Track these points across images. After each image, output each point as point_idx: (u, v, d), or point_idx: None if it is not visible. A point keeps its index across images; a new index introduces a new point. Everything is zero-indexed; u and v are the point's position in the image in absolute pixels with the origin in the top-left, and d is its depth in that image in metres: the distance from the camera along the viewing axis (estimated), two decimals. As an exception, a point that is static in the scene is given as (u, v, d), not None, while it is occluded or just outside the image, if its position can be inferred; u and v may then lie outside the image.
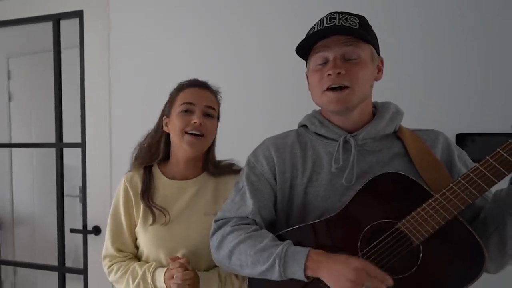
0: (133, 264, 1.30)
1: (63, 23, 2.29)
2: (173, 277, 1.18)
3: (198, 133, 1.25)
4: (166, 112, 1.35)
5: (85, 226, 2.24)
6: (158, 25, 2.09)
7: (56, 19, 2.28)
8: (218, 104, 1.37)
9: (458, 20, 1.71)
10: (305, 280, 0.96)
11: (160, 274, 1.22)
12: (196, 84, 1.33)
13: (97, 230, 2.20)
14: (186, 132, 1.25)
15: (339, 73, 1.00)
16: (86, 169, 2.22)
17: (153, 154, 1.36)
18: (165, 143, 1.35)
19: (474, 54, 1.68)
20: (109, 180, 2.17)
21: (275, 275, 0.98)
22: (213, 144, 1.37)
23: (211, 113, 1.30)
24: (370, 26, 1.08)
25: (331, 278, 0.92)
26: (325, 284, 0.97)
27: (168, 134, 1.34)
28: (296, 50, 1.10)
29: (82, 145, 2.23)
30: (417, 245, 0.94)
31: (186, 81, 1.35)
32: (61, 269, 2.37)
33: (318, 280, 0.97)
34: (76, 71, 2.24)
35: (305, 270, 0.95)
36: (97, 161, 2.20)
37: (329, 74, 1.01)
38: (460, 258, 0.94)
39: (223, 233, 1.09)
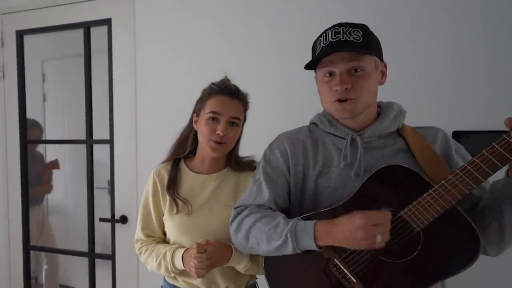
0: (158, 246, 1.34)
1: (93, 30, 2.32)
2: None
3: (220, 141, 1.27)
4: (196, 110, 1.35)
5: (113, 215, 2.28)
6: (180, 32, 2.11)
7: (86, 27, 2.31)
8: (245, 110, 1.36)
9: (455, 22, 1.69)
10: (318, 249, 0.98)
11: (179, 254, 1.25)
12: (226, 93, 1.30)
13: (124, 219, 2.24)
14: (211, 139, 1.27)
15: (346, 89, 1.02)
16: (114, 163, 2.27)
17: (181, 148, 1.39)
18: (192, 139, 1.37)
19: (470, 57, 1.67)
20: (135, 174, 2.21)
21: (289, 249, 1.01)
22: (237, 142, 1.37)
23: (236, 122, 1.29)
24: (372, 33, 1.08)
25: (345, 242, 0.95)
26: (335, 266, 1.00)
27: (196, 131, 1.35)
28: (304, 67, 1.11)
29: (110, 141, 2.28)
30: (418, 232, 0.96)
31: (217, 85, 1.33)
32: (91, 255, 2.40)
33: (329, 260, 1.01)
34: (104, 74, 2.27)
35: (316, 241, 0.98)
36: (124, 156, 2.25)
37: (337, 90, 1.03)
38: (457, 244, 0.95)
39: (241, 217, 1.13)
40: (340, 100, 1.04)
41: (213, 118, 1.27)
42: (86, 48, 2.34)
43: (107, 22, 2.25)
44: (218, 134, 1.25)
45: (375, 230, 0.90)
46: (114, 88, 2.25)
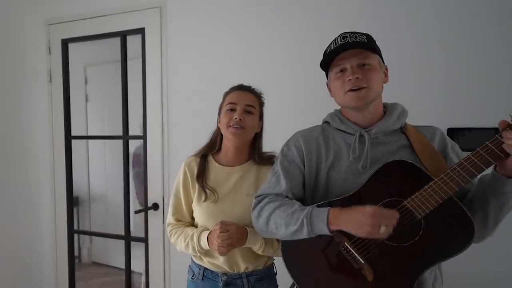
0: (187, 228, 1.40)
1: (129, 38, 2.38)
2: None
3: (238, 126, 1.32)
4: (219, 111, 1.43)
5: (146, 205, 2.35)
6: (206, 40, 2.16)
7: (123, 35, 2.38)
8: (260, 104, 1.41)
9: (449, 27, 1.70)
10: (330, 234, 1.02)
11: (205, 235, 1.31)
12: (240, 88, 1.41)
13: (155, 207, 2.32)
14: (230, 126, 1.33)
15: (357, 78, 1.07)
16: (147, 157, 2.34)
17: (212, 146, 1.44)
18: (220, 138, 1.43)
19: (465, 59, 1.68)
20: (162, 166, 2.27)
21: (304, 233, 1.05)
22: (259, 137, 1.43)
23: (251, 111, 1.35)
24: (375, 41, 1.14)
25: (353, 227, 0.98)
26: (345, 249, 1.04)
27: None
28: (320, 65, 1.17)
29: (144, 137, 2.34)
30: (419, 219, 0.99)
31: (234, 86, 1.43)
32: (127, 238, 2.48)
33: (339, 244, 1.04)
34: (140, 77, 2.34)
35: (328, 225, 1.01)
36: (155, 150, 2.31)
37: (350, 79, 1.08)
38: (454, 230, 0.98)
39: (262, 205, 1.17)
40: (353, 90, 1.08)
41: (231, 109, 1.35)
42: (123, 54, 2.40)
43: (141, 31, 2.31)
44: (236, 118, 1.31)
45: (382, 221, 0.94)
46: (147, 90, 2.31)
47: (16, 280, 2.59)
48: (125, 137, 2.45)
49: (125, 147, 2.45)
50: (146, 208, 2.35)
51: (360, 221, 0.97)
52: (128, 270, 2.51)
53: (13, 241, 2.56)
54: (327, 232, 1.03)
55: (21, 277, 2.63)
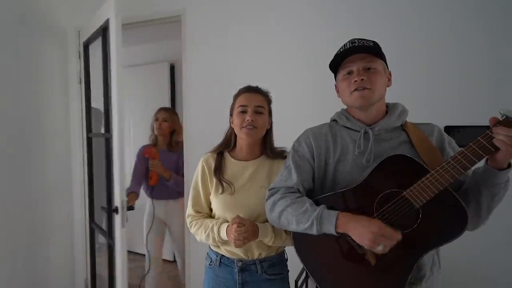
0: (206, 220, 1.46)
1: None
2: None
3: (251, 126, 1.40)
4: (231, 112, 1.50)
5: (109, 207, 2.17)
6: (212, 38, 2.21)
7: (103, 29, 2.16)
8: (268, 102, 1.48)
9: (445, 32, 1.78)
10: (336, 235, 1.10)
11: (224, 227, 1.38)
12: (249, 90, 1.47)
13: (116, 210, 2.07)
14: (243, 127, 1.41)
15: (362, 79, 1.14)
16: (112, 157, 2.12)
17: (227, 144, 1.52)
18: (235, 136, 1.50)
19: (461, 62, 1.78)
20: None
21: (313, 232, 1.13)
22: (270, 132, 1.51)
23: (261, 111, 1.43)
24: (381, 48, 1.21)
25: (356, 236, 1.06)
26: (350, 236, 1.10)
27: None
28: (329, 66, 1.25)
29: (109, 136, 2.14)
30: (417, 208, 1.05)
31: (242, 88, 1.49)
32: (109, 240, 2.26)
33: (346, 235, 1.11)
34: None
35: (336, 228, 1.08)
36: (115, 151, 2.05)
37: (355, 80, 1.15)
38: (449, 218, 1.03)
39: (274, 199, 1.24)
40: (358, 90, 1.14)
41: (242, 111, 1.42)
42: (104, 52, 2.22)
43: (106, 22, 2.07)
44: (248, 120, 1.39)
45: (382, 240, 1.01)
46: (111, 86, 2.08)
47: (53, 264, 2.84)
48: (106, 135, 2.23)
49: (107, 145, 2.22)
50: (110, 210, 2.16)
51: (362, 234, 1.04)
52: (110, 271, 2.35)
53: (52, 226, 2.80)
54: (334, 233, 1.10)
55: (58, 262, 2.90)
